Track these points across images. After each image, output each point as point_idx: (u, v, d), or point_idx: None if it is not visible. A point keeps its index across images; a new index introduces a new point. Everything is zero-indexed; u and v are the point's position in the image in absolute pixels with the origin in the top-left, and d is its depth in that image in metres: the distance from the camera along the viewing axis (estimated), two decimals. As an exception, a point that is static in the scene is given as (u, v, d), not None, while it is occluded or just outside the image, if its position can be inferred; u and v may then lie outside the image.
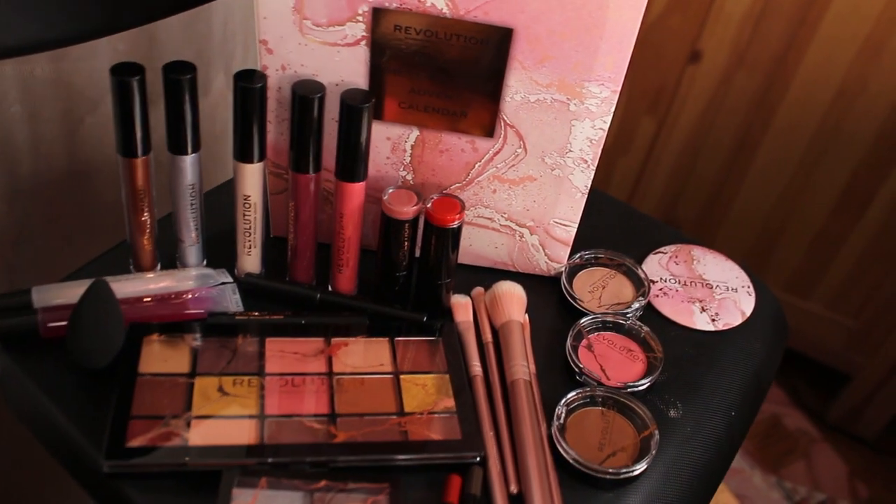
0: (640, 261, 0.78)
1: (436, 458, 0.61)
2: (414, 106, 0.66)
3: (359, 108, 0.62)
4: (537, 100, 0.64)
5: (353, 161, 0.64)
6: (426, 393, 0.65)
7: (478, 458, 0.61)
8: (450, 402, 0.64)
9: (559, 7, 0.59)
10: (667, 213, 1.50)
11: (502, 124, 0.66)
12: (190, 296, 0.69)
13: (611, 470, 0.61)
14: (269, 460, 0.59)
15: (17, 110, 0.84)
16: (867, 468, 1.49)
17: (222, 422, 0.61)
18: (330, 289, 0.72)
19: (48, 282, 0.69)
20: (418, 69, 0.63)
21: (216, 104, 1.01)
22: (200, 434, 0.60)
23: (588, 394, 0.66)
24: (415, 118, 0.66)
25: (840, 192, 1.34)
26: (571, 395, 0.65)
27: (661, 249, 0.80)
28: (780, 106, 1.33)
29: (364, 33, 0.62)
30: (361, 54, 0.63)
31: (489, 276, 0.76)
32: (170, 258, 0.73)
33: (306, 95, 0.62)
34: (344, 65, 0.64)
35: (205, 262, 0.74)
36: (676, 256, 0.79)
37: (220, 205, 0.76)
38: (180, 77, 0.62)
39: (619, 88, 0.63)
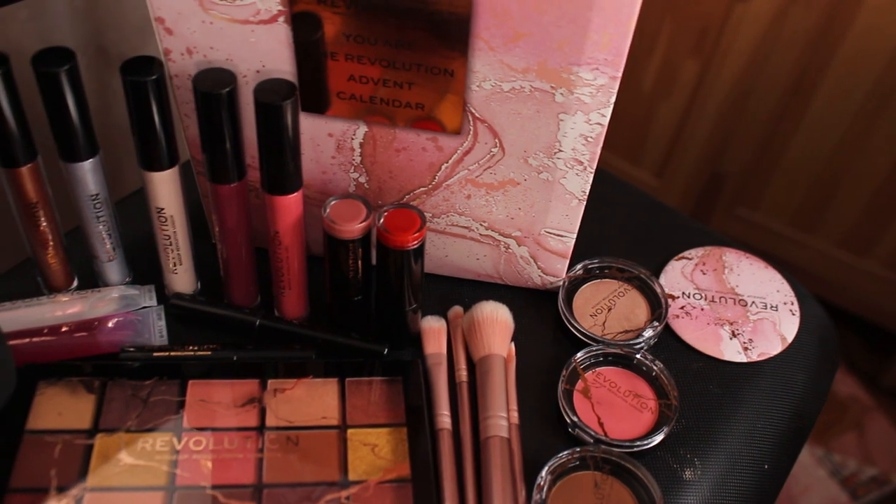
0: (658, 269, 0.64)
1: (381, 546, 0.49)
2: (357, 97, 0.52)
3: (277, 106, 0.48)
4: (512, 88, 0.49)
5: (280, 170, 0.51)
6: (376, 455, 0.52)
7: (434, 546, 0.49)
8: (404, 469, 0.52)
9: (532, -31, 0.44)
10: (711, 163, 1.33)
11: (470, 118, 0.52)
12: (105, 324, 0.57)
13: (604, 557, 0.49)
14: (174, 551, 0.47)
15: None
16: (928, 441, 1.34)
17: (122, 495, 0.50)
18: (276, 313, 0.60)
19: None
20: (356, 52, 0.49)
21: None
22: (93, 514, 0.48)
23: (579, 455, 0.53)
24: (359, 111, 0.52)
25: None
26: (555, 459, 0.52)
27: (686, 254, 0.65)
28: (840, 46, 1.14)
29: (280, 7, 0.48)
30: (282, 33, 0.49)
31: (471, 289, 0.62)
32: (89, 274, 0.61)
33: (210, 91, 0.48)
34: (262, 47, 0.50)
35: (129, 279, 0.62)
36: (704, 263, 0.65)
37: (143, 210, 0.64)
38: (56, 70, 0.49)
39: (619, 73, 0.48)
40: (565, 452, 0.53)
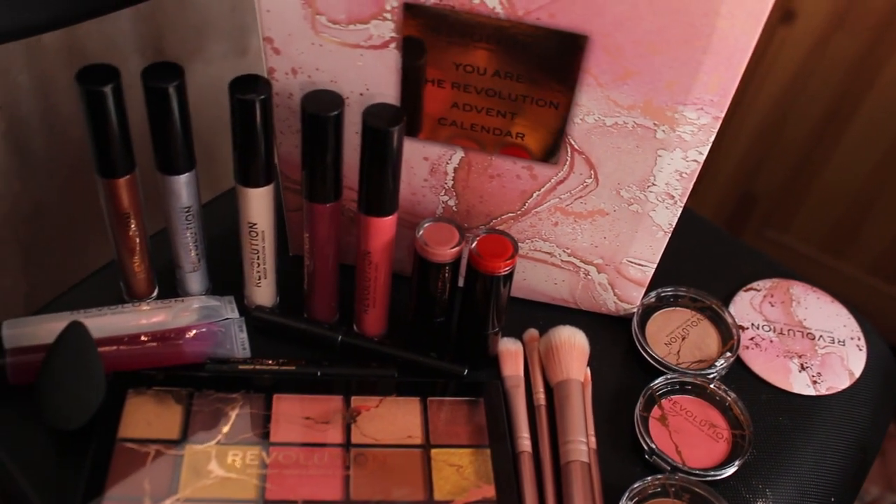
0: (727, 299, 0.65)
1: (469, 568, 0.50)
2: (458, 123, 0.52)
3: (385, 132, 0.49)
4: (615, 123, 0.50)
5: (380, 192, 0.52)
6: (461, 476, 0.53)
7: (521, 569, 0.50)
8: (489, 490, 0.53)
9: (650, 12, 0.45)
10: (744, 184, 1.34)
11: (569, 150, 0.52)
12: (189, 334, 0.58)
13: (684, 585, 0.50)
14: (267, 564, 0.48)
15: (24, 80, 0.74)
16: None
17: (214, 508, 0.50)
18: (355, 328, 0.61)
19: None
20: (463, 80, 0.50)
21: (250, 69, 0.89)
22: (186, 526, 0.49)
23: (660, 482, 0.54)
24: (458, 137, 0.53)
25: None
26: (638, 484, 0.53)
27: (754, 286, 0.66)
28: (880, 74, 1.15)
29: (394, 34, 0.49)
30: (391, 59, 0.50)
31: (545, 312, 0.63)
32: (169, 283, 0.62)
33: (319, 114, 0.49)
34: (369, 71, 0.51)
35: (209, 289, 0.62)
36: (772, 296, 0.66)
37: (224, 216, 0.64)
38: (165, 86, 0.49)
39: (722, 114, 0.49)
40: (647, 479, 0.54)
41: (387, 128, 0.49)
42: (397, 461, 0.54)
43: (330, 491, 0.52)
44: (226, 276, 0.62)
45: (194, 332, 0.58)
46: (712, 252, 0.70)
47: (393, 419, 0.56)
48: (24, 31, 0.54)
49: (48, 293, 0.84)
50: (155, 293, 0.62)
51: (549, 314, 0.63)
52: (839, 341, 0.63)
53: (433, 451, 0.54)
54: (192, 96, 0.51)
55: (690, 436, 0.57)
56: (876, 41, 1.13)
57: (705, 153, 0.51)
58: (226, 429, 0.54)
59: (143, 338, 0.57)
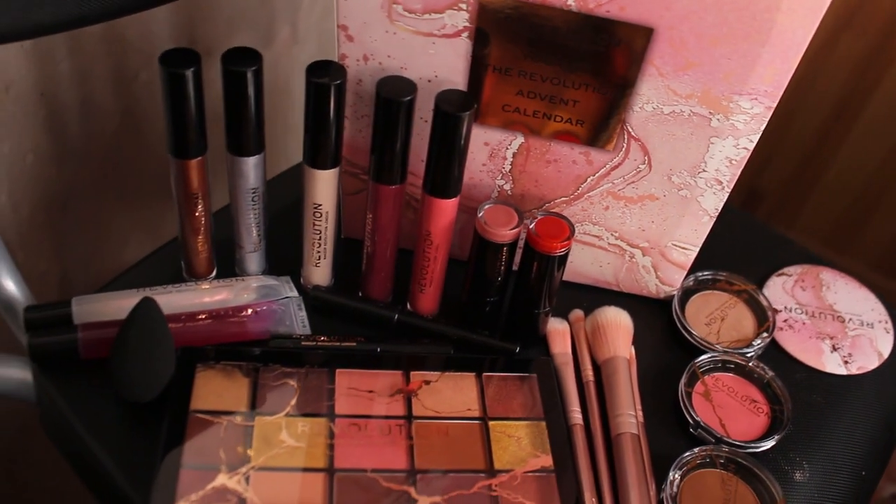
0: (760, 283, 0.68)
1: (531, 532, 0.53)
2: (520, 110, 0.55)
3: (457, 116, 0.51)
4: (672, 112, 0.53)
5: (446, 175, 0.54)
6: (519, 446, 0.56)
7: (579, 533, 0.53)
8: (546, 460, 0.55)
9: (715, 6, 0.47)
10: (750, 180, 1.38)
11: (626, 136, 0.55)
12: (250, 311, 0.60)
13: (731, 550, 0.53)
14: (341, 529, 0.51)
15: (66, 68, 0.75)
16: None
17: (286, 475, 0.53)
18: (409, 307, 0.63)
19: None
20: (530, 69, 0.52)
21: (276, 58, 0.91)
22: (261, 492, 0.51)
23: (707, 453, 0.57)
24: (520, 124, 0.56)
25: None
26: (688, 454, 0.56)
27: (785, 271, 0.69)
28: (888, 72, 1.19)
29: (467, 24, 0.51)
30: (462, 48, 0.52)
31: (588, 294, 0.66)
32: (227, 263, 0.64)
33: (394, 98, 0.51)
34: (439, 59, 0.53)
35: (267, 268, 0.64)
36: (803, 280, 0.69)
37: (281, 198, 0.67)
38: (244, 69, 0.52)
39: (775, 104, 0.52)
40: (695, 450, 0.56)
41: (458, 113, 0.51)
42: (458, 432, 0.56)
43: (395, 460, 0.54)
44: (281, 257, 0.65)
45: (256, 310, 0.60)
46: (745, 238, 0.73)
47: (451, 393, 0.58)
48: (71, 24, 0.56)
49: (81, 277, 0.86)
50: (214, 272, 0.64)
51: (593, 296, 0.66)
52: (868, 324, 0.66)
53: (491, 423, 0.57)
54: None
55: (732, 410, 0.60)
56: (883, 41, 1.16)
57: (755, 141, 0.54)
58: (293, 401, 0.56)
59: (206, 315, 0.59)
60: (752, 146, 0.54)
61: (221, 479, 0.52)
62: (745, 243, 0.73)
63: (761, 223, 0.75)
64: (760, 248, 0.72)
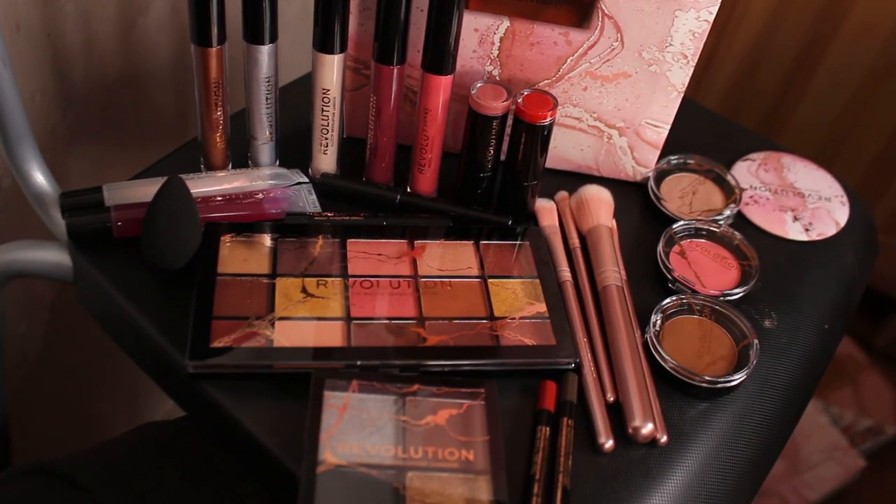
0: (727, 167, 0.75)
1: (530, 363, 0.59)
2: (506, -7, 0.62)
3: (451, -5, 0.58)
4: (640, -14, 0.60)
5: (441, 50, 0.61)
6: (516, 297, 0.62)
7: (573, 365, 0.59)
8: (541, 307, 0.61)
9: None
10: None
11: (600, 14, 0.62)
12: (269, 195, 0.66)
13: (708, 378, 0.59)
14: (359, 363, 0.56)
15: (72, 10, 0.80)
16: (917, 393, 1.47)
17: (307, 323, 0.58)
18: (409, 190, 0.69)
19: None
20: (514, -48, 0.59)
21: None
22: (286, 335, 0.57)
23: (685, 301, 0.63)
24: (506, 7, 0.62)
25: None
26: (667, 301, 0.63)
27: (750, 156, 0.76)
28: (844, 20, 1.27)
29: (458, -89, 0.58)
30: (453, -65, 0.59)
31: (572, 180, 0.72)
32: (241, 157, 0.70)
33: (396, -22, 0.58)
34: (434, -53, 0.60)
35: (277, 162, 0.70)
36: (766, 164, 0.76)
37: (291, 102, 0.73)
38: (262, -43, 0.58)
39: (730, -26, 0.59)
40: (672, 298, 0.63)
41: (451, -9, 0.58)
42: (460, 287, 0.62)
43: (405, 310, 0.60)
44: (290, 156, 0.70)
45: (272, 193, 0.66)
46: (713, 131, 0.80)
47: (452, 257, 0.64)
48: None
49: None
50: (230, 166, 0.70)
51: (575, 181, 0.72)
52: (825, 198, 0.73)
53: (490, 280, 0.63)
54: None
55: (706, 266, 0.66)
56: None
57: (714, 13, 0.61)
58: (310, 264, 0.62)
59: (230, 197, 0.65)
60: (711, 19, 0.61)
61: (250, 326, 0.57)
62: (716, 135, 0.79)
63: (727, 118, 0.82)
64: (729, 138, 0.79)
